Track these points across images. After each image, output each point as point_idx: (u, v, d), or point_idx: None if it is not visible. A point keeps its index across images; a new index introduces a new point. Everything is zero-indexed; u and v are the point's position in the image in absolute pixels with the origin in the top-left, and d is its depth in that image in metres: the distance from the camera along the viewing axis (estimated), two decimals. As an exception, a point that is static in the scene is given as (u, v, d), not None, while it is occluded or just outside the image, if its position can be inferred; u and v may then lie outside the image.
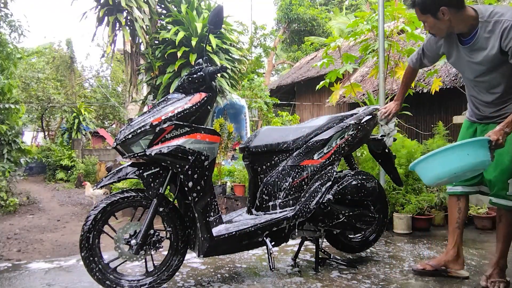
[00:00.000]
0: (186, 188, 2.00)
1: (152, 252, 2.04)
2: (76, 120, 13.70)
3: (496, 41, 1.90)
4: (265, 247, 2.21)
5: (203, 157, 2.03)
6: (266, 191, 2.38)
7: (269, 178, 2.39)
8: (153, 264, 2.08)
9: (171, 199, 2.12)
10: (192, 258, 2.66)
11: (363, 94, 6.55)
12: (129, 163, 2.08)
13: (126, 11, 6.19)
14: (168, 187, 2.09)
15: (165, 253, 2.13)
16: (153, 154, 1.93)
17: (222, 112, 9.10)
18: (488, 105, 2.13)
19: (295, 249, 2.75)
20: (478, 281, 2.21)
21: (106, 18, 6.36)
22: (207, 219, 2.07)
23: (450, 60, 2.22)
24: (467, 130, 2.29)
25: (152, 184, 2.01)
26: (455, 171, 1.87)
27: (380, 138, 2.65)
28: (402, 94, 2.56)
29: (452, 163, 1.86)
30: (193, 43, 5.89)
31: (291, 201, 2.35)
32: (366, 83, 8.25)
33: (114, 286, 1.94)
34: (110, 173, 2.04)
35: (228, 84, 6.57)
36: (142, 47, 6.73)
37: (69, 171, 11.63)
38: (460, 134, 2.34)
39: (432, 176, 1.95)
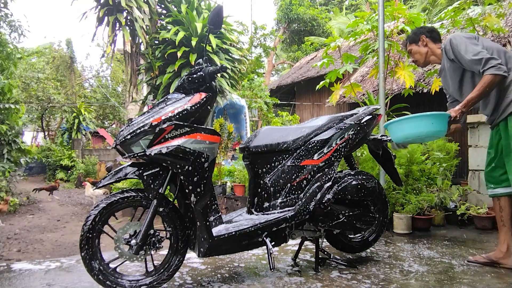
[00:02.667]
0: (186, 189, 2.00)
1: (152, 252, 2.04)
2: (76, 120, 13.70)
3: (445, 58, 2.51)
4: (265, 247, 2.21)
5: (203, 157, 2.03)
6: (266, 191, 2.38)
7: (269, 178, 2.39)
8: (153, 264, 2.08)
9: (171, 199, 2.12)
10: (192, 258, 2.66)
11: (363, 94, 6.55)
12: (129, 163, 2.08)
13: (126, 11, 6.19)
14: (168, 187, 2.09)
15: (165, 253, 2.13)
16: (153, 154, 1.93)
17: (222, 112, 9.10)
18: (484, 108, 2.49)
19: (295, 249, 2.75)
20: (479, 282, 2.21)
21: (106, 18, 6.36)
22: (207, 219, 2.07)
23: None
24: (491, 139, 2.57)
25: (152, 184, 2.01)
26: (419, 134, 2.32)
27: (380, 138, 2.65)
28: None
29: (420, 127, 2.29)
30: (193, 43, 5.89)
31: (291, 201, 2.35)
32: (366, 83, 8.24)
33: (114, 286, 1.94)
34: (109, 173, 2.04)
35: (228, 84, 6.57)
36: (142, 47, 6.72)
37: (69, 171, 11.63)
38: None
39: (402, 135, 2.37)
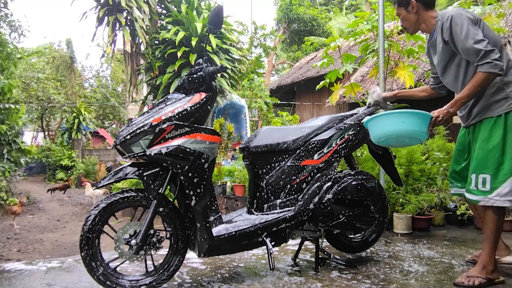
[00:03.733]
0: (186, 189, 2.00)
1: (152, 252, 2.04)
2: (76, 120, 13.72)
3: (439, 35, 2.18)
4: (265, 247, 2.21)
5: (203, 158, 2.03)
6: (266, 191, 2.38)
7: (269, 178, 2.39)
8: (153, 264, 2.08)
9: (171, 199, 2.12)
10: (192, 258, 2.66)
11: (363, 94, 6.55)
12: (129, 163, 2.08)
13: (126, 11, 6.19)
14: (168, 187, 2.09)
15: (165, 253, 2.13)
16: (153, 154, 1.93)
17: (222, 112, 9.11)
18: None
19: (295, 249, 2.75)
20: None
21: (106, 18, 6.37)
22: (207, 219, 2.07)
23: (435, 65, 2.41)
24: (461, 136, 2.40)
25: (152, 185, 2.01)
26: (389, 134, 2.08)
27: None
28: (401, 94, 2.66)
29: (388, 126, 2.07)
30: (193, 43, 5.89)
31: (291, 201, 2.35)
32: (366, 83, 8.25)
33: (114, 286, 1.94)
34: (109, 173, 2.04)
35: (228, 84, 6.58)
36: (142, 47, 6.73)
37: (69, 171, 11.63)
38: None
39: (375, 135, 2.18)
